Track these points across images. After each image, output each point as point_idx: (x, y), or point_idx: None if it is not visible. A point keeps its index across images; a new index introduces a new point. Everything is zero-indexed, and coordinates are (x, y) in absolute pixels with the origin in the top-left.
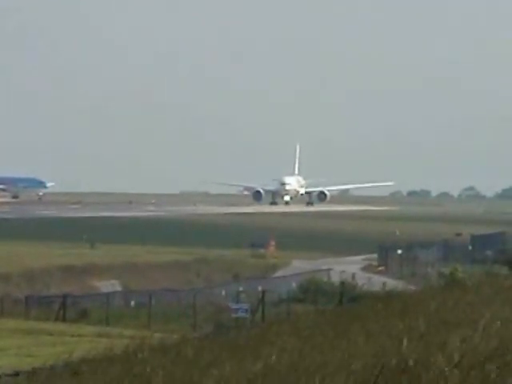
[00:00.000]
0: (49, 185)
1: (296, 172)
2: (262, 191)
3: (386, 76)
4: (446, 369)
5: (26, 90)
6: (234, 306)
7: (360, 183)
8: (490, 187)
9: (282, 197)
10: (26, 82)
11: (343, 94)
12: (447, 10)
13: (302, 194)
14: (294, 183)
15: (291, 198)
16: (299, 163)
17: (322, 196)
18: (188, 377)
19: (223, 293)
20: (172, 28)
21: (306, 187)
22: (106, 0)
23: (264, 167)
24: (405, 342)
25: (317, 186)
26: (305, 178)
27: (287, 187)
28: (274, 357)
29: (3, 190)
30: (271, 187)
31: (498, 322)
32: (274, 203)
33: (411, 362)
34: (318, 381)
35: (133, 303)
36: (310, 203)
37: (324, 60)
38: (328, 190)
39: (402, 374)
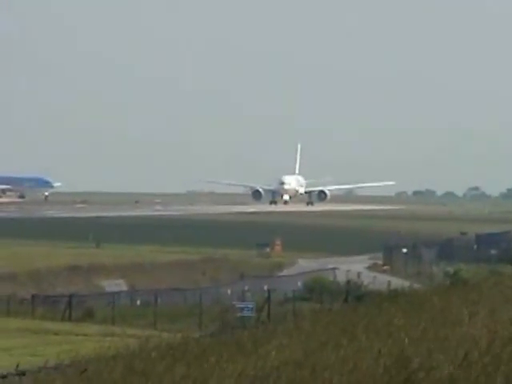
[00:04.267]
0: (55, 185)
1: (297, 171)
2: (261, 190)
3: (389, 77)
4: (449, 366)
5: (33, 90)
6: (240, 305)
7: (363, 183)
8: (494, 187)
9: (282, 196)
10: (33, 83)
11: (349, 95)
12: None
13: (301, 194)
14: (294, 183)
15: (290, 198)
16: (300, 162)
17: (322, 195)
18: (192, 375)
19: (229, 292)
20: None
21: (307, 187)
22: None
23: (269, 166)
24: (408, 340)
25: (320, 186)
26: (306, 178)
27: (286, 186)
28: (279, 355)
29: (10, 189)
30: (271, 187)
31: (501, 320)
32: (273, 202)
33: (415, 361)
34: (323, 379)
35: (139, 302)
36: (310, 203)
37: (326, 60)
38: (328, 190)
39: (406, 372)
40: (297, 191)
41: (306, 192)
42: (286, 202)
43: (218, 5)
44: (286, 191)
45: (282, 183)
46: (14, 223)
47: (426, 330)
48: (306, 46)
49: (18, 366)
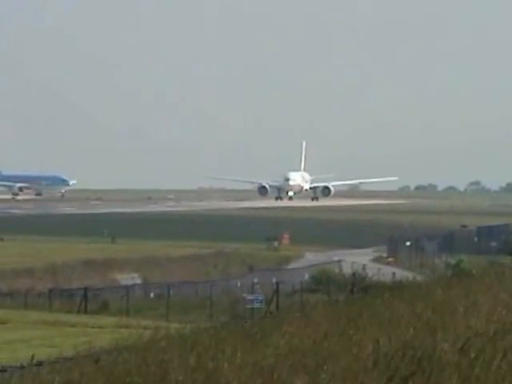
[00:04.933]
0: (71, 182)
1: (302, 168)
2: (267, 186)
3: (391, 76)
4: (451, 354)
5: (49, 89)
6: (250, 297)
7: (366, 179)
8: (494, 181)
9: (287, 192)
10: (47, 83)
11: (353, 94)
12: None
13: (306, 190)
14: (299, 179)
15: (294, 193)
16: (305, 159)
17: (326, 191)
18: (204, 364)
19: (239, 284)
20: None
21: (311, 183)
22: None
23: (278, 163)
24: (412, 329)
25: (325, 182)
26: (311, 174)
27: (291, 183)
28: (287, 345)
29: (27, 187)
30: (277, 183)
31: (501, 309)
32: (279, 198)
33: (419, 349)
34: (330, 367)
35: (152, 295)
36: (314, 198)
37: (326, 59)
38: (332, 186)
39: (410, 360)
40: (302, 187)
41: (310, 188)
42: (290, 198)
43: (222, 10)
44: (291, 187)
45: (287, 179)
46: (31, 220)
47: (428, 320)
48: (308, 47)
49: (33, 356)
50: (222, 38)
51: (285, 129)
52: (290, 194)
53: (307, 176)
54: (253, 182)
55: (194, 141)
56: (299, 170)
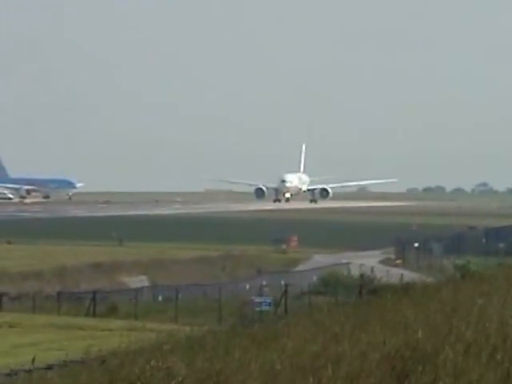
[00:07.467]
0: (78, 185)
1: (301, 170)
2: (264, 188)
3: (396, 76)
4: (459, 356)
5: (52, 91)
6: (258, 300)
7: (366, 180)
8: (502, 182)
9: (284, 194)
10: (50, 85)
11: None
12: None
13: (304, 191)
14: (295, 180)
15: (291, 195)
16: (305, 161)
17: (324, 193)
18: (211, 367)
19: (247, 287)
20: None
21: (309, 184)
22: None
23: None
24: (420, 331)
25: (326, 183)
26: (314, 175)
27: (288, 184)
28: (296, 347)
29: (35, 190)
30: (274, 184)
31: (509, 311)
32: (277, 200)
33: (427, 351)
34: (338, 370)
35: (160, 298)
36: (313, 200)
37: (331, 58)
38: (331, 188)
39: (418, 362)
40: (299, 189)
41: (308, 190)
42: (287, 200)
43: (222, 9)
44: (288, 189)
45: (284, 181)
46: (39, 223)
47: (436, 322)
48: (308, 47)
49: (34, 359)
50: (222, 37)
51: (286, 129)
52: (287, 195)
53: (305, 177)
54: (250, 184)
55: (195, 142)
56: (298, 171)
